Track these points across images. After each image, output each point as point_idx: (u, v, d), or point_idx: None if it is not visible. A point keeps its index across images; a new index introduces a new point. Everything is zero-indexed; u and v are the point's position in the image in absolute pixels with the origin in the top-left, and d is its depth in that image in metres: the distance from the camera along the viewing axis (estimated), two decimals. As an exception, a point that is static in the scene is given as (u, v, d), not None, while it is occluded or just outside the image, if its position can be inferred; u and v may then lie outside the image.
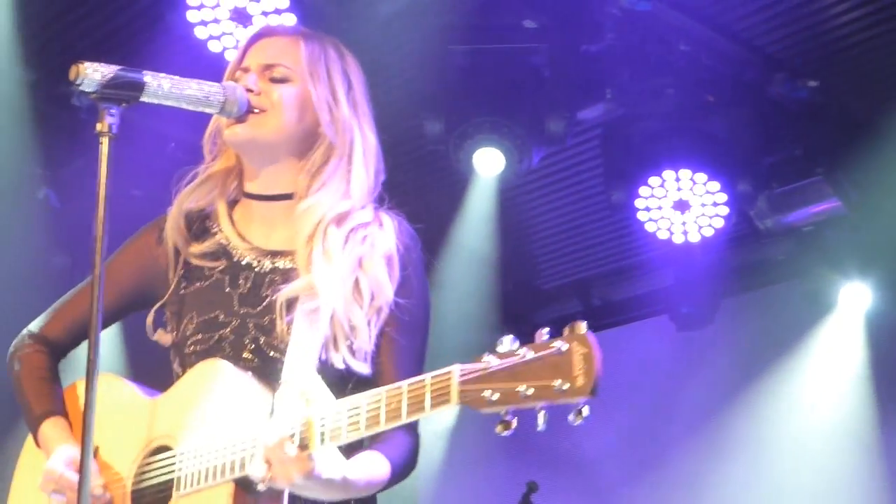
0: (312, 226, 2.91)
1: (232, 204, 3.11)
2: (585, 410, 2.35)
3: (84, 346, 3.06)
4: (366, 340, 2.85)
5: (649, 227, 6.64)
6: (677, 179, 6.41)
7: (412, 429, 2.88)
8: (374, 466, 2.74)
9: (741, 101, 6.36)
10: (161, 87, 2.72)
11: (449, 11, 5.94)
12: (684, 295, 7.80)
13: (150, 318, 3.07)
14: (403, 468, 2.84)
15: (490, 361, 2.36)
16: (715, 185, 6.37)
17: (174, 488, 2.74)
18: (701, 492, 8.43)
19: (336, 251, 2.88)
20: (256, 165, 3.04)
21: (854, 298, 7.35)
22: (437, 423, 9.34)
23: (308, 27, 5.55)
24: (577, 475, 9.10)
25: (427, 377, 2.43)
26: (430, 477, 9.25)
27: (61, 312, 3.20)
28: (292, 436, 2.53)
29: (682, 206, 6.51)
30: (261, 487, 2.59)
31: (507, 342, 2.37)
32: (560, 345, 2.28)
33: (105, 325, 3.03)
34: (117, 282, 3.09)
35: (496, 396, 2.33)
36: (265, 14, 5.64)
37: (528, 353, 2.31)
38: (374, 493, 2.82)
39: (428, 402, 2.40)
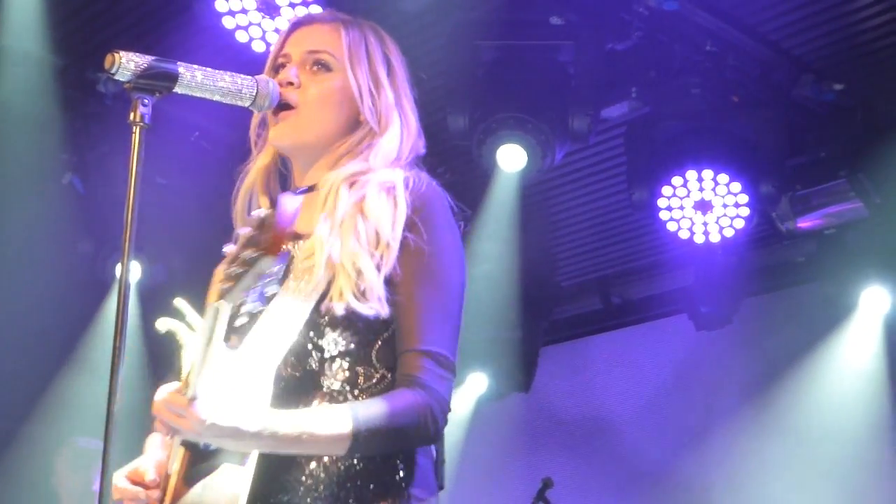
0: (325, 193, 2.87)
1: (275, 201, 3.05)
2: None
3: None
4: (375, 282, 2.70)
5: (671, 227, 6.62)
6: (700, 179, 6.40)
7: (427, 390, 2.70)
8: (323, 419, 2.59)
9: (766, 103, 6.34)
10: (195, 78, 2.71)
11: (476, 7, 5.94)
12: (704, 295, 7.80)
13: None
14: (388, 425, 2.62)
15: None
16: (737, 186, 6.36)
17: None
18: (716, 490, 8.43)
19: (340, 208, 2.81)
20: (302, 162, 3.04)
21: (874, 302, 7.33)
22: (453, 416, 9.35)
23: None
24: (594, 471, 9.11)
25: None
26: (446, 470, 9.25)
27: None
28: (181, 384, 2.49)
29: (703, 207, 6.49)
30: (167, 439, 2.60)
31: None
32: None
33: None
34: None
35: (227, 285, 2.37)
36: (292, 6, 5.64)
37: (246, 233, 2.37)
38: (341, 449, 2.60)
39: None
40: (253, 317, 2.76)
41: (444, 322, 2.79)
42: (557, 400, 9.53)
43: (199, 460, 2.63)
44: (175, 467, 2.63)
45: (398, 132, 3.01)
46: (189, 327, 2.63)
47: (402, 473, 2.75)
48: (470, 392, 9.29)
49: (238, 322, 2.77)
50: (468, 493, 9.42)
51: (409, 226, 2.79)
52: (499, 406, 9.45)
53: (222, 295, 2.84)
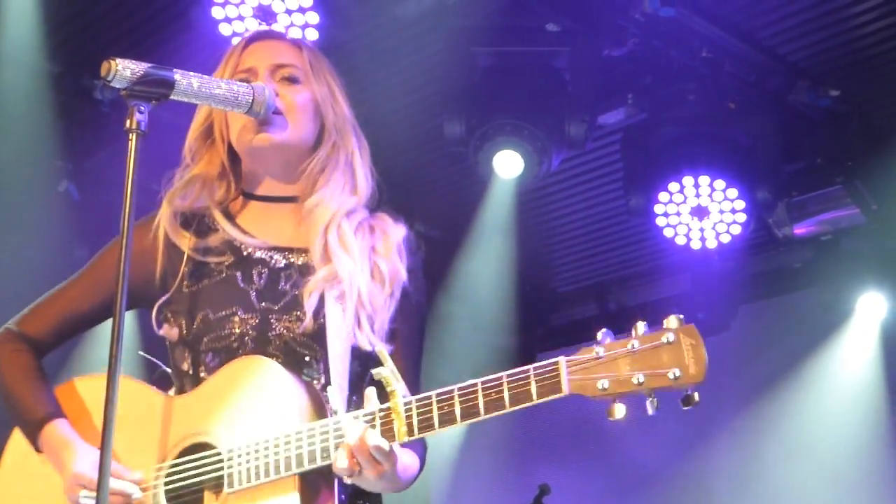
0: (326, 220, 2.98)
1: (229, 205, 3.13)
2: (696, 397, 2.56)
3: (91, 343, 3.11)
4: (384, 322, 2.94)
5: (667, 233, 6.62)
6: (696, 185, 6.40)
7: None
8: (412, 461, 2.82)
9: (763, 109, 6.34)
10: (191, 85, 2.72)
11: (472, 13, 5.93)
12: (701, 301, 7.79)
13: (153, 316, 3.04)
14: (423, 464, 2.91)
15: (598, 351, 2.48)
16: (734, 192, 6.36)
17: (225, 484, 2.72)
18: (715, 494, 8.43)
19: (351, 241, 2.97)
20: (265, 168, 3.09)
21: (871, 307, 7.34)
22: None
23: (332, 27, 5.60)
24: (591, 477, 9.10)
25: (530, 368, 2.53)
26: (442, 477, 9.26)
27: (46, 310, 3.16)
28: (374, 426, 2.58)
29: (700, 213, 6.49)
30: (347, 481, 2.63)
31: (607, 332, 2.52)
32: (669, 335, 2.47)
33: (91, 324, 3.11)
34: (105, 281, 3.05)
35: (607, 384, 2.46)
36: (289, 12, 5.64)
37: (635, 344, 2.46)
38: (406, 488, 2.84)
39: (534, 391, 2.52)
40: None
41: (419, 353, 3.08)
42: (554, 406, 9.48)
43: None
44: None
45: (359, 154, 3.13)
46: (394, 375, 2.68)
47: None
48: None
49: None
50: (465, 498, 9.42)
51: (410, 277, 3.03)
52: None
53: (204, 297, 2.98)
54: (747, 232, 6.57)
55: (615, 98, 6.35)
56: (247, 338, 2.90)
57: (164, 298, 3.02)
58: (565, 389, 2.49)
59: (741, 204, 6.40)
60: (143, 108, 2.61)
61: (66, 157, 6.84)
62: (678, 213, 6.54)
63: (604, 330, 2.50)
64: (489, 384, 2.52)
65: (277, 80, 3.07)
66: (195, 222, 3.09)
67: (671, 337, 2.47)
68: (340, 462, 2.58)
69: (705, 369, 2.48)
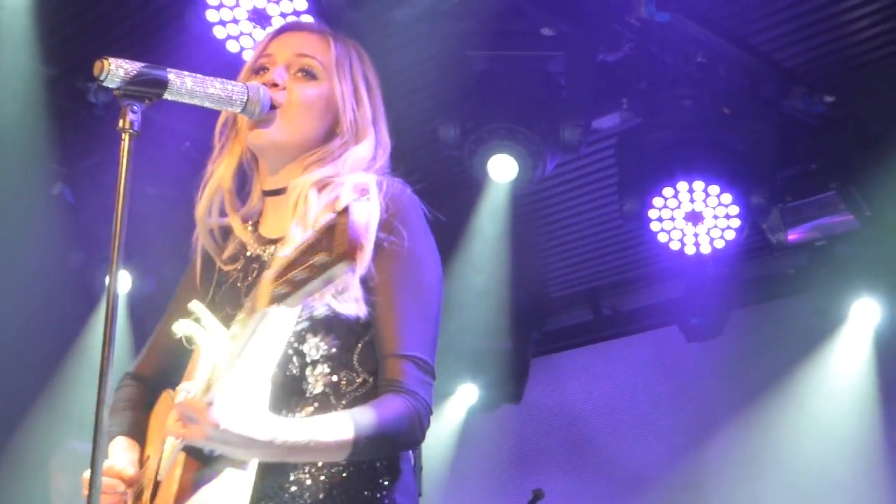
0: (294, 198, 2.89)
1: (254, 207, 3.12)
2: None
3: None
4: (349, 283, 2.70)
5: (661, 238, 6.62)
6: (690, 191, 6.40)
7: (410, 397, 2.74)
8: (328, 427, 2.61)
9: (758, 115, 6.35)
10: (184, 84, 2.71)
11: (467, 17, 5.93)
12: (694, 306, 7.81)
13: None
14: (380, 432, 2.65)
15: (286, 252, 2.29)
16: (728, 198, 6.36)
17: (158, 475, 2.78)
18: (706, 499, 8.43)
19: (311, 213, 2.82)
20: (273, 165, 3.05)
21: (864, 313, 7.34)
22: (444, 428, 9.35)
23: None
24: (585, 482, 9.11)
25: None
26: (436, 481, 9.24)
27: (149, 349, 3.24)
28: (201, 390, 2.48)
29: (694, 218, 6.49)
30: (175, 448, 2.60)
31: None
32: (329, 221, 2.19)
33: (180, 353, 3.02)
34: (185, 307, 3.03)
35: (283, 289, 2.27)
36: (283, 15, 5.65)
37: (308, 237, 2.24)
38: (344, 456, 2.63)
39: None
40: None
41: (423, 326, 2.83)
42: (548, 411, 9.52)
43: (200, 466, 2.65)
44: (177, 473, 2.65)
45: (372, 144, 3.05)
46: (203, 329, 2.61)
47: (385, 482, 2.80)
48: (461, 403, 9.28)
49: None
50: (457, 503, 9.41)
51: (385, 228, 2.81)
52: (489, 417, 9.45)
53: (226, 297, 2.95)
54: (741, 237, 6.57)
55: (610, 103, 6.35)
56: None
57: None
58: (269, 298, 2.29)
59: (735, 209, 6.40)
60: (136, 107, 2.59)
61: (60, 160, 6.85)
62: (672, 219, 6.53)
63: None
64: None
65: (294, 71, 3.03)
66: (225, 231, 3.12)
67: (330, 220, 2.19)
68: (171, 425, 2.53)
69: (351, 243, 2.13)
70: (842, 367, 7.79)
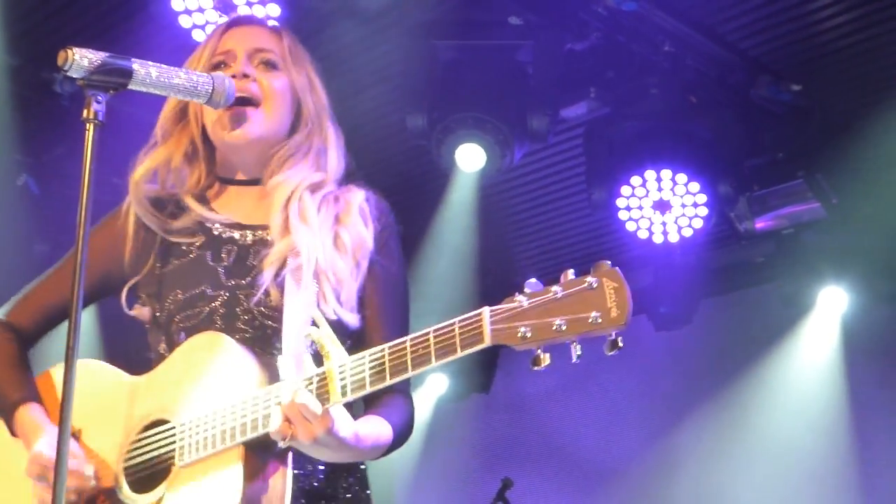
0: (287, 194, 2.97)
1: (205, 190, 3.14)
2: (620, 342, 2.41)
3: (61, 332, 3.09)
4: (351, 292, 2.90)
5: (629, 227, 6.63)
6: (658, 179, 6.41)
7: (407, 396, 2.95)
8: (379, 429, 2.78)
9: (725, 103, 6.37)
10: (149, 75, 2.70)
11: (434, 7, 5.93)
12: (663, 295, 7.81)
13: (122, 298, 3.07)
14: (403, 433, 2.88)
15: (521, 301, 2.42)
16: (695, 186, 6.38)
17: (176, 458, 2.73)
18: (679, 488, 8.46)
19: (311, 213, 2.95)
20: (239, 158, 3.09)
21: (831, 301, 7.38)
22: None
23: (293, 20, 5.58)
24: (554, 471, 9.12)
25: (455, 321, 2.47)
26: (406, 471, 9.25)
27: (30, 300, 3.19)
28: (311, 390, 2.55)
29: (662, 207, 6.50)
30: (282, 445, 2.58)
31: (535, 283, 2.45)
32: (591, 280, 2.38)
33: (64, 316, 2.99)
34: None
35: (529, 333, 2.38)
36: (249, 4, 5.63)
37: (559, 291, 2.40)
38: (376, 457, 2.83)
39: (458, 343, 2.44)
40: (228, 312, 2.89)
41: (404, 322, 3.02)
42: (517, 400, 9.53)
43: (254, 459, 2.68)
44: (237, 465, 2.66)
45: (334, 139, 3.14)
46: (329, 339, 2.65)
47: (362, 469, 2.99)
48: (430, 393, 9.29)
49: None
50: (428, 493, 9.42)
51: (378, 245, 3.00)
52: (459, 406, 9.45)
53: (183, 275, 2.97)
54: (709, 226, 6.59)
55: (578, 92, 6.35)
56: (216, 315, 2.90)
57: (134, 280, 3.05)
58: (487, 339, 2.41)
59: (703, 198, 6.42)
60: (100, 97, 2.58)
61: (25, 150, 6.79)
62: (640, 207, 6.55)
63: (533, 280, 2.46)
64: (417, 340, 2.50)
65: (256, 64, 3.07)
66: (169, 205, 3.10)
67: (594, 282, 2.38)
68: (273, 422, 2.55)
69: (627, 312, 2.36)
70: (809, 354, 7.83)
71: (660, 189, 6.44)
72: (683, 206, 6.48)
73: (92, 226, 2.61)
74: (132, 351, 3.24)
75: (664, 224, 6.60)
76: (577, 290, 2.39)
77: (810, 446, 7.77)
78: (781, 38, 6.22)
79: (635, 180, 6.44)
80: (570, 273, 2.44)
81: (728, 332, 8.33)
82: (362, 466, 2.97)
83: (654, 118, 6.32)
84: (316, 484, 2.84)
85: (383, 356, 2.52)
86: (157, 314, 2.99)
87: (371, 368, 2.52)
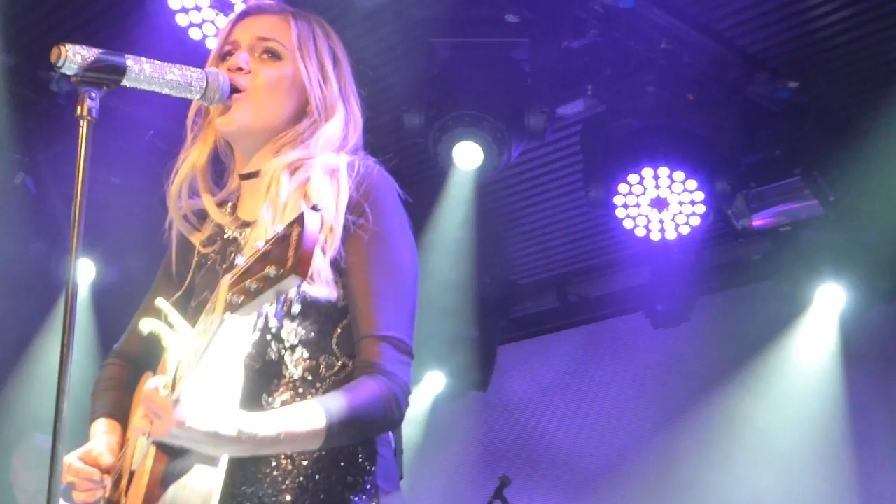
0: (267, 181, 2.88)
1: (230, 190, 3.11)
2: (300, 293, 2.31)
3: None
4: (321, 264, 2.70)
5: (627, 225, 6.63)
6: (656, 177, 6.41)
7: (385, 378, 2.70)
8: (298, 417, 2.57)
9: (722, 101, 6.36)
10: (143, 71, 2.69)
11: (432, 4, 5.92)
12: (660, 292, 7.83)
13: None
14: (352, 417, 2.62)
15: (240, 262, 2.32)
16: (693, 184, 6.37)
17: (132, 467, 2.75)
18: (677, 486, 8.46)
19: (282, 195, 2.81)
20: (246, 148, 3.05)
21: (829, 298, 7.38)
22: (411, 416, 9.35)
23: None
24: (552, 469, 9.13)
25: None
26: (403, 468, 9.25)
27: (132, 328, 3.19)
28: (165, 385, 2.44)
29: (659, 204, 6.50)
30: (145, 441, 2.56)
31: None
32: (283, 231, 2.21)
33: None
34: (165, 285, 3.14)
35: (238, 298, 2.26)
36: (245, 1, 5.62)
37: (260, 245, 2.26)
38: (318, 444, 2.60)
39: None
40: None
41: (398, 306, 2.80)
42: (515, 398, 9.53)
43: (171, 459, 2.62)
44: (147, 465, 2.61)
45: (342, 121, 3.03)
46: (171, 327, 2.61)
47: (368, 466, 2.80)
48: (428, 390, 9.28)
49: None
50: (425, 491, 9.41)
51: (355, 209, 2.81)
52: (456, 404, 9.45)
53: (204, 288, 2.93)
54: (706, 223, 6.58)
55: (575, 89, 6.35)
56: None
57: (176, 295, 3.03)
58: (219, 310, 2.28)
59: (700, 195, 6.42)
60: (94, 94, 2.56)
61: (22, 149, 6.79)
62: (638, 205, 6.55)
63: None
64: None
65: (258, 54, 3.02)
66: (204, 213, 3.09)
67: (285, 232, 2.19)
68: (137, 421, 2.54)
69: (300, 258, 2.13)
70: (806, 351, 7.83)
71: (657, 186, 6.44)
72: (681, 203, 6.48)
73: (86, 225, 2.56)
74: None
75: (661, 221, 6.60)
76: (271, 244, 2.22)
77: (808, 444, 7.77)
78: (778, 35, 6.22)
79: (632, 178, 6.44)
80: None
81: (725, 330, 8.33)
82: (360, 460, 2.78)
83: (651, 116, 6.31)
84: (301, 479, 2.74)
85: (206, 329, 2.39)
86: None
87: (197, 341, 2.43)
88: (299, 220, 2.15)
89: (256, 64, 3.01)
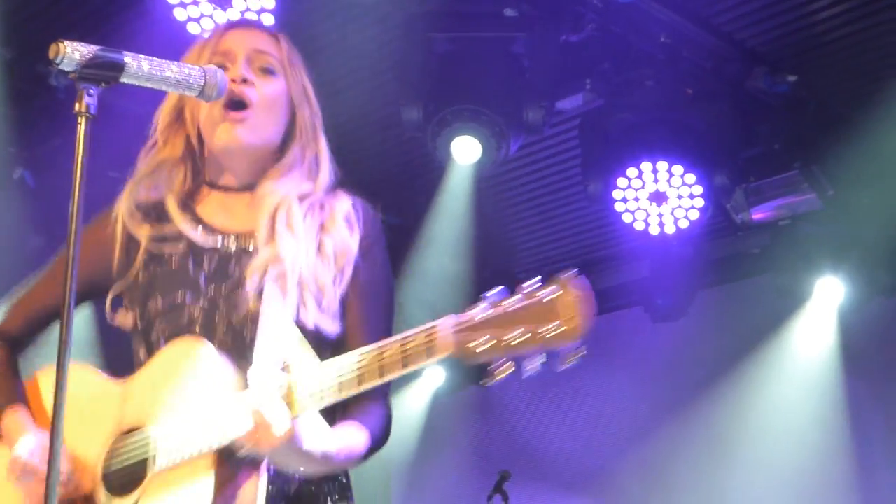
0: (275, 203, 2.96)
1: (191, 193, 3.12)
2: (581, 351, 2.33)
3: (50, 342, 3.11)
4: (333, 300, 2.88)
5: (626, 218, 6.63)
6: (654, 171, 6.41)
7: (385, 401, 2.93)
8: (353, 438, 2.75)
9: (720, 95, 6.36)
10: (141, 68, 2.69)
11: (430, -1, 5.93)
12: (659, 286, 7.82)
13: (108, 306, 3.07)
14: (380, 439, 2.85)
15: (482, 310, 2.37)
16: (692, 178, 6.38)
17: (149, 465, 2.72)
18: (674, 481, 8.47)
19: (298, 222, 2.93)
20: (232, 162, 3.06)
21: (828, 292, 7.38)
22: (411, 410, 9.35)
23: (288, 12, 5.57)
24: (551, 464, 9.13)
25: (416, 331, 2.45)
26: (404, 463, 9.26)
27: (19, 305, 3.19)
28: (280, 398, 2.53)
29: (658, 198, 6.51)
30: (242, 452, 2.57)
31: (498, 293, 2.39)
32: (552, 289, 2.31)
33: (54, 318, 3.09)
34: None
35: (489, 344, 2.33)
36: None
37: (520, 300, 2.34)
38: (352, 466, 2.82)
39: (422, 355, 2.42)
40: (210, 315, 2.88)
41: (387, 329, 2.98)
42: (514, 392, 9.53)
43: (223, 465, 2.66)
44: (208, 471, 2.64)
45: (325, 149, 3.12)
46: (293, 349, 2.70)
47: (344, 479, 2.97)
48: (427, 385, 9.29)
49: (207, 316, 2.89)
50: (425, 485, 9.42)
51: (364, 253, 2.97)
52: (455, 398, 9.46)
53: (156, 278, 2.97)
54: (705, 217, 6.58)
55: (573, 84, 6.35)
56: (195, 322, 2.89)
57: (118, 286, 3.04)
58: (445, 350, 2.37)
59: (699, 189, 6.42)
60: (92, 90, 2.56)
61: (20, 144, 6.78)
62: (636, 199, 6.55)
63: (500, 288, 2.40)
64: (386, 347, 2.48)
65: (255, 68, 3.05)
66: (155, 211, 3.08)
67: (556, 291, 2.31)
68: (240, 428, 2.54)
69: (586, 321, 2.28)
70: (805, 345, 7.84)
71: (656, 181, 6.44)
72: (679, 197, 6.48)
73: (84, 224, 2.58)
74: (126, 355, 3.24)
75: (660, 215, 6.60)
76: (538, 300, 2.33)
77: (807, 438, 7.77)
78: (777, 29, 6.22)
79: (631, 172, 6.44)
80: (534, 282, 2.37)
81: (724, 323, 8.33)
82: (343, 479, 2.95)
83: (649, 110, 6.31)
84: (296, 489, 2.83)
85: (344, 368, 2.51)
86: (139, 321, 2.98)
87: (333, 379, 2.52)
88: (574, 283, 2.31)
89: (255, 77, 3.04)
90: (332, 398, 2.52)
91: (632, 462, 8.71)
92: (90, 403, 2.95)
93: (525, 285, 2.36)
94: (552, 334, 2.29)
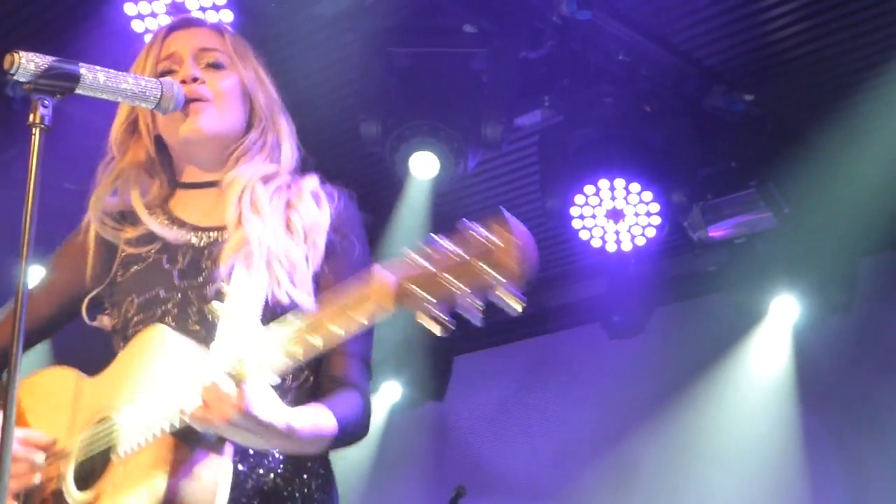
0: (240, 189, 2.98)
1: (163, 196, 3.14)
2: (521, 302, 2.36)
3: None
4: (305, 274, 2.88)
5: (583, 236, 6.65)
6: (612, 188, 6.42)
7: (361, 392, 2.90)
8: (320, 418, 2.70)
9: (678, 113, 6.39)
10: (97, 79, 2.69)
11: (390, 14, 5.92)
12: (616, 303, 7.84)
13: (83, 310, 3.08)
14: (353, 427, 2.80)
15: (420, 254, 2.35)
16: (649, 195, 6.40)
17: (112, 453, 2.72)
18: (630, 498, 8.48)
19: (263, 203, 2.95)
20: (195, 158, 3.10)
21: (783, 310, 7.42)
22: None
23: (247, 25, 5.56)
24: (507, 481, 9.12)
25: (355, 284, 2.39)
26: (359, 479, 9.22)
27: (4, 323, 3.16)
28: (228, 372, 2.47)
29: (616, 215, 6.52)
30: (198, 428, 2.54)
31: (433, 238, 2.36)
32: (488, 237, 2.29)
33: (52, 329, 3.16)
34: (55, 288, 3.18)
35: (433, 296, 2.34)
36: (203, 9, 5.60)
37: (459, 250, 2.31)
38: (321, 449, 2.78)
39: (363, 303, 2.37)
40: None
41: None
42: (471, 409, 9.53)
43: (181, 447, 2.62)
44: (158, 452, 2.61)
45: (288, 132, 3.16)
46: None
47: (323, 471, 2.96)
48: (384, 400, 9.26)
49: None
50: (381, 501, 9.39)
51: (338, 232, 2.98)
52: (413, 415, 9.44)
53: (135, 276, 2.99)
54: (662, 234, 6.61)
55: (532, 100, 6.35)
56: (168, 316, 2.90)
57: (95, 291, 3.08)
58: (391, 306, 2.36)
59: (656, 207, 6.44)
60: (47, 101, 2.57)
61: (-26, 154, 6.73)
62: (594, 216, 6.56)
63: (435, 236, 2.37)
64: (326, 305, 2.43)
65: (202, 66, 3.08)
66: (130, 216, 3.11)
67: (492, 238, 2.29)
68: (190, 405, 2.50)
69: (526, 268, 2.32)
70: (761, 362, 7.88)
71: (613, 198, 6.46)
72: (637, 214, 6.50)
73: (39, 232, 2.59)
74: (84, 358, 3.22)
75: (617, 233, 6.62)
76: (476, 248, 2.30)
77: (762, 454, 7.81)
78: (735, 48, 6.26)
79: (589, 189, 6.46)
80: (468, 226, 2.32)
81: (681, 340, 8.36)
82: (322, 471, 2.94)
83: (607, 127, 6.33)
84: (271, 484, 2.83)
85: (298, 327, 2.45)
86: (116, 321, 3.01)
87: (283, 341, 2.45)
88: (510, 229, 2.28)
89: (206, 74, 3.06)
90: (280, 364, 2.44)
91: (588, 478, 8.71)
92: (58, 399, 2.98)
93: (461, 228, 2.32)
94: (495, 284, 2.30)
